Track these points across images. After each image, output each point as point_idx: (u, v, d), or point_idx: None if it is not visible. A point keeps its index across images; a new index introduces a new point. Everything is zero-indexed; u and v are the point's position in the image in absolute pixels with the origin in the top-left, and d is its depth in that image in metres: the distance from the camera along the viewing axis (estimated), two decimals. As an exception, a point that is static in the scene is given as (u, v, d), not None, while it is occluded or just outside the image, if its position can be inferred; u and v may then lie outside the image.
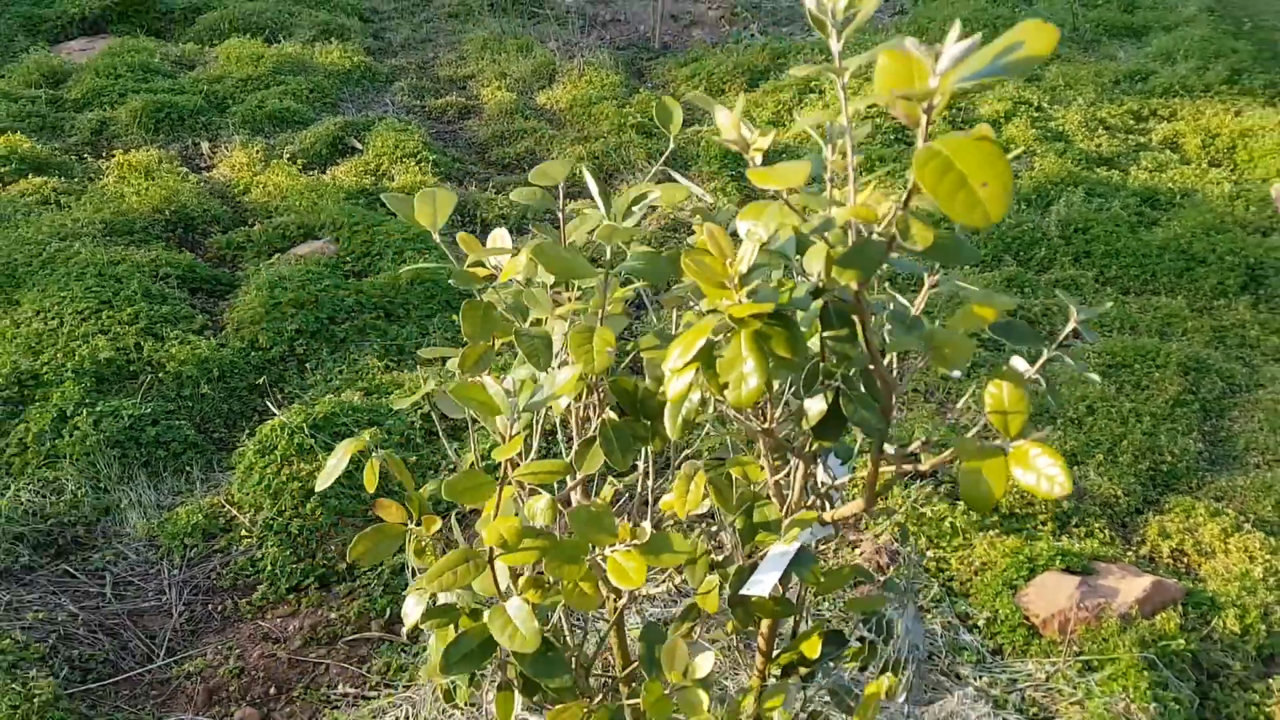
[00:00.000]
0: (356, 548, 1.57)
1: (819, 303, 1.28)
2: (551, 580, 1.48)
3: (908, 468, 1.47)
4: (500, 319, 1.48)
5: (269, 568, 3.25)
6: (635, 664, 1.83)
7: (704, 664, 1.47)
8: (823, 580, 1.66)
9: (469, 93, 7.50)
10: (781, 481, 1.64)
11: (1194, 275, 4.92)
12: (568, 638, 1.82)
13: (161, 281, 4.68)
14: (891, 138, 6.23)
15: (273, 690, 2.89)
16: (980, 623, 3.00)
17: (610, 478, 2.06)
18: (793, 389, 1.54)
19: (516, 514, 1.51)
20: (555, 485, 1.67)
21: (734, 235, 1.31)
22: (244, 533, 3.40)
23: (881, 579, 2.01)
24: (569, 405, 1.62)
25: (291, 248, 5.14)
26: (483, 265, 1.57)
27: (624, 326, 1.57)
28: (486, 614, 1.45)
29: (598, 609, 1.85)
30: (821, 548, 2.06)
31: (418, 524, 1.62)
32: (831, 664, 1.83)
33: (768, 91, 7.06)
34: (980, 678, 2.81)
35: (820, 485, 1.70)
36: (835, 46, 1.10)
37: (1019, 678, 2.82)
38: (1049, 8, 8.66)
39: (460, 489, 1.36)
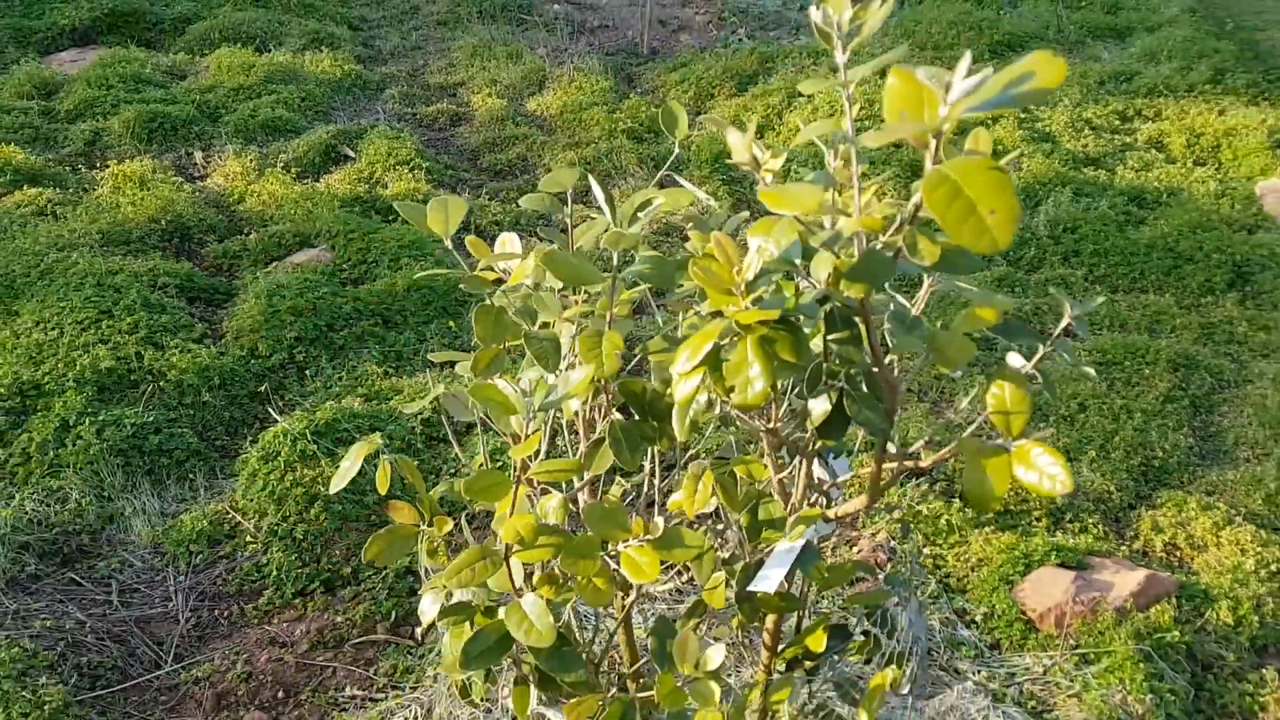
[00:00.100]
0: (371, 548, 1.60)
1: (825, 308, 1.32)
2: (565, 576, 1.52)
3: (908, 465, 1.52)
4: (511, 323, 1.52)
5: (274, 573, 3.28)
6: (643, 660, 1.88)
7: (715, 656, 1.51)
8: (826, 575, 1.70)
9: (459, 100, 7.53)
10: (785, 480, 1.69)
11: (1181, 273, 4.98)
12: (578, 635, 1.86)
13: (160, 291, 4.71)
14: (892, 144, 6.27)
15: (281, 694, 2.92)
16: (978, 618, 3.05)
17: (619, 477, 2.10)
18: (795, 390, 1.58)
19: (530, 512, 1.55)
20: (563, 486, 1.71)
21: (732, 236, 1.36)
22: (249, 538, 3.43)
23: (882, 575, 2.05)
24: (577, 407, 1.66)
25: (288, 256, 5.17)
26: (491, 269, 1.62)
27: (630, 329, 1.61)
28: (502, 610, 1.49)
29: (605, 607, 1.89)
30: (820, 545, 2.10)
31: (429, 525, 1.65)
32: (836, 657, 1.88)
33: (757, 95, 7.12)
34: (979, 672, 2.86)
35: (819, 483, 1.74)
36: (841, 59, 1.14)
37: (1017, 671, 2.87)
38: (1033, 10, 8.74)
39: (478, 488, 1.41)
